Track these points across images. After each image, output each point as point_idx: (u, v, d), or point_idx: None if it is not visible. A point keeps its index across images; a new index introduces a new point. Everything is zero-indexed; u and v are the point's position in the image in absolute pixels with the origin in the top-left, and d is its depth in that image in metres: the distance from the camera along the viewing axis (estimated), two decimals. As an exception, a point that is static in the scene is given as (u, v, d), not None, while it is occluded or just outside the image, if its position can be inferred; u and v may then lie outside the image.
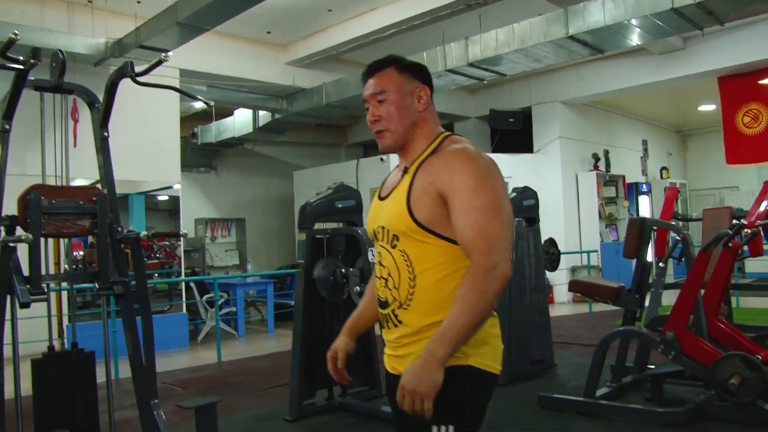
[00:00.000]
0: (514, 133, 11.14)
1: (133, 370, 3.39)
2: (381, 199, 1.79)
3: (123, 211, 8.87)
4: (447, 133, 1.75)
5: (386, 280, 1.70)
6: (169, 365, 6.71)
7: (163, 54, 3.15)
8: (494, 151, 11.78)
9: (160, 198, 9.36)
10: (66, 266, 5.82)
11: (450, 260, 1.61)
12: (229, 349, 7.74)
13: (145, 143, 8.04)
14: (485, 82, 9.31)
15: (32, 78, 3.09)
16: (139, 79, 3.21)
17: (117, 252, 3.44)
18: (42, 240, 3.37)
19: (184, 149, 10.57)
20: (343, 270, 4.31)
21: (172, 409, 4.36)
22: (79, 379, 3.29)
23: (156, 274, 8.97)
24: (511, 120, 10.86)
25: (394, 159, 8.86)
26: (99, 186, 3.49)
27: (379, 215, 1.74)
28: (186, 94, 3.85)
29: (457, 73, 8.49)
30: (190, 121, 11.65)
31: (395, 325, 1.69)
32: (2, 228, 3.17)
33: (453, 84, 9.03)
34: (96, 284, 3.31)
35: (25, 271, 3.13)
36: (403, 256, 1.65)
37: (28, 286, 3.02)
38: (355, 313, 2.00)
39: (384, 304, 1.73)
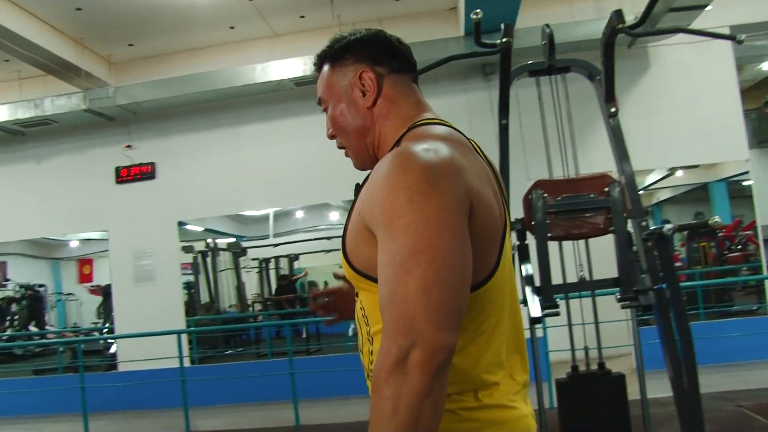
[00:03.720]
0: None
1: (674, 394, 2.85)
2: None
3: (704, 202, 9.03)
4: (416, 123, 1.18)
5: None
6: (749, 382, 5.43)
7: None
8: None
9: (745, 183, 8.19)
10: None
11: None
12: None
13: (700, 122, 7.11)
14: None
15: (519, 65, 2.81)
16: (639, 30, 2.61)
17: (644, 252, 2.95)
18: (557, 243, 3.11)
19: (758, 122, 9.12)
20: None
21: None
22: (608, 401, 2.87)
23: (744, 269, 8.26)
24: None
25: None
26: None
27: None
28: (698, 33, 3.03)
29: None
30: (757, 89, 9.98)
31: None
32: (514, 233, 3.01)
33: None
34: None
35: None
36: (361, 309, 1.19)
37: (539, 297, 2.76)
38: None
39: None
